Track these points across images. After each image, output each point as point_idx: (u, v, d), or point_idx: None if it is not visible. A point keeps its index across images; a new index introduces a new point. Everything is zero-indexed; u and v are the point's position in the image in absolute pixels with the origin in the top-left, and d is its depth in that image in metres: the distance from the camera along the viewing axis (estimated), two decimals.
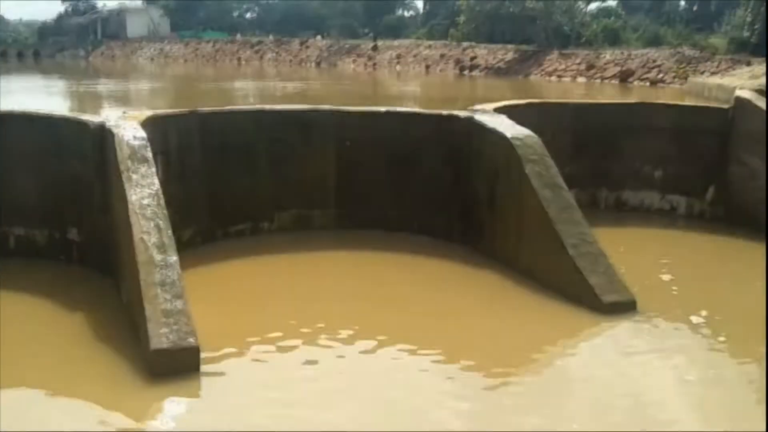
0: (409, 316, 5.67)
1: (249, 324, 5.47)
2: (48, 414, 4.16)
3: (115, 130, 5.99)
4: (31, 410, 4.21)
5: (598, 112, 9.15)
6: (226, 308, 5.71)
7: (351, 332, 5.29)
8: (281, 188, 7.56)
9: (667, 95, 19.99)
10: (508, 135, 6.65)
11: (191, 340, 4.55)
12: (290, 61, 45.59)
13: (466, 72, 33.41)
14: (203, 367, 4.55)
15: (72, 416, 4.15)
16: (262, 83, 28.06)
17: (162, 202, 5.44)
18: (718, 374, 4.80)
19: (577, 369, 4.93)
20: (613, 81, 25.94)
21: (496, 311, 5.84)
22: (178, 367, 4.48)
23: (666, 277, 6.67)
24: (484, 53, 34.09)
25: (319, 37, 49.87)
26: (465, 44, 36.25)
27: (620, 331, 5.41)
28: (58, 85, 27.68)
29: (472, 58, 34.22)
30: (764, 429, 3.91)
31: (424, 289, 6.25)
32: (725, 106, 8.84)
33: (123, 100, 20.57)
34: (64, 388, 4.43)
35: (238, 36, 55.72)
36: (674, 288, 6.44)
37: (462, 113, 7.55)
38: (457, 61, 34.84)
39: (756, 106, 8.21)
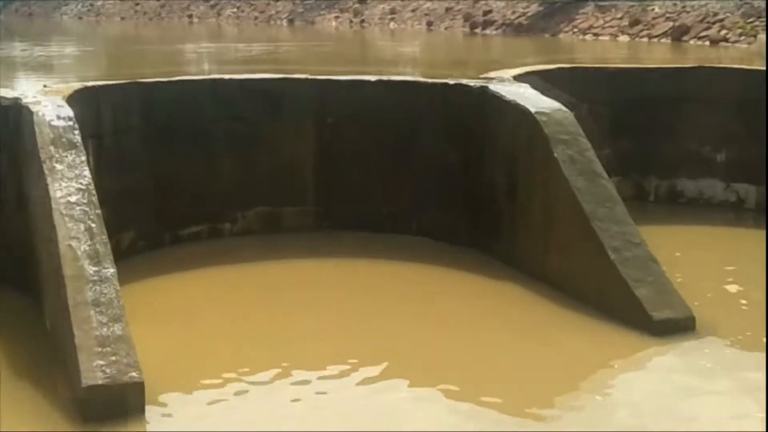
0: (409, 341, 5.67)
1: (206, 352, 5.47)
2: None
3: (33, 108, 5.97)
4: None
5: (645, 80, 9.18)
6: (177, 333, 5.72)
7: (334, 362, 5.27)
8: (245, 180, 7.57)
9: (731, 57, 20.02)
10: (532, 109, 6.65)
11: (134, 374, 4.53)
12: (255, 18, 45.43)
13: (478, 30, 33.35)
14: (149, 408, 4.54)
15: None
16: (220, 46, 27.99)
17: (94, 199, 5.43)
18: None
19: (621, 402, 4.92)
20: (663, 40, 25.93)
21: (519, 333, 5.85)
22: (117, 407, 4.45)
23: (732, 288, 6.68)
24: (501, 6, 34.04)
25: None
26: None
27: (675, 356, 5.43)
28: None
29: (486, 12, 34.17)
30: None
31: (428, 307, 6.26)
32: None
33: (43, 68, 20.48)
34: None
35: None
36: (743, 301, 6.45)
37: (473, 82, 7.56)
38: (467, 16, 34.77)
39: None
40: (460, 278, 6.78)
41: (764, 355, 5.44)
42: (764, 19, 24.07)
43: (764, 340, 5.63)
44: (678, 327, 5.63)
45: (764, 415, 4.73)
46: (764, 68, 9.76)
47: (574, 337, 5.72)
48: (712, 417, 4.71)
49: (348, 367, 5.25)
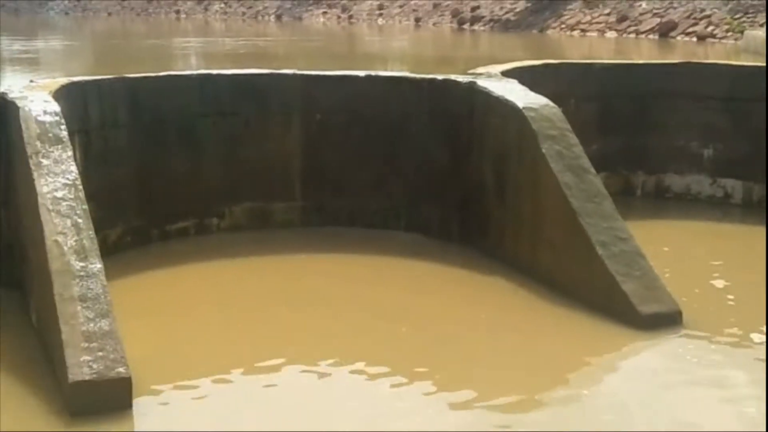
0: (399, 336, 5.67)
1: (194, 347, 5.45)
2: None
3: (19, 103, 5.93)
4: None
5: (633, 75, 9.21)
6: (164, 328, 5.71)
7: (322, 357, 5.27)
8: (233, 175, 7.55)
9: (718, 53, 20.13)
10: (520, 105, 6.66)
11: (121, 369, 4.51)
12: (243, 14, 45.44)
13: (466, 26, 33.45)
14: (136, 403, 4.53)
15: None
16: (208, 41, 27.93)
17: (81, 194, 5.41)
18: None
19: (610, 395, 4.94)
20: (651, 36, 26.07)
21: (507, 328, 5.86)
22: (104, 403, 4.43)
23: (719, 283, 6.71)
24: (489, 2, 34.12)
25: None
26: None
27: (662, 350, 5.45)
28: None
29: (474, 8, 34.25)
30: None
31: (417, 302, 6.26)
32: None
33: (30, 63, 20.42)
34: None
35: None
36: (730, 296, 6.48)
37: (461, 78, 7.57)
38: (455, 13, 34.85)
39: None
40: (449, 274, 6.79)
41: (751, 350, 5.48)
42: (751, 15, 24.17)
43: (752, 335, 5.66)
44: (665, 321, 5.65)
45: (751, 410, 4.76)
46: (751, 64, 9.80)
47: (561, 331, 5.73)
48: (697, 412, 4.74)
49: (335, 358, 5.26)
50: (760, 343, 5.57)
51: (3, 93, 6.27)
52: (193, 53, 23.22)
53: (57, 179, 5.43)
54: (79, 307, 4.73)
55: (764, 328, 5.77)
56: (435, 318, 6.00)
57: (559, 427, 4.58)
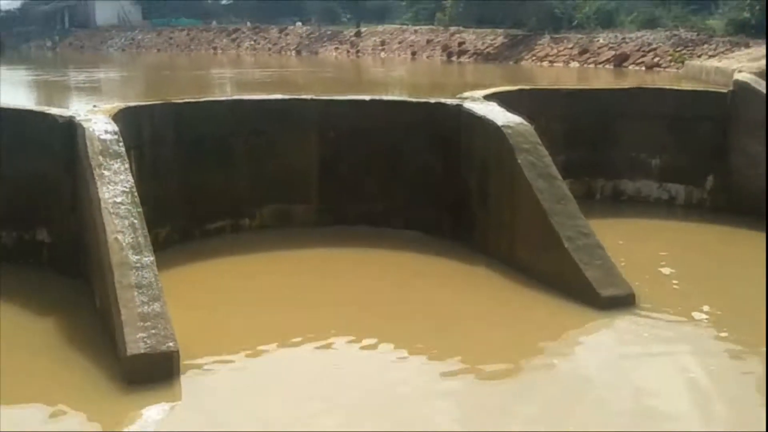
0: (399, 316, 5.66)
1: (231, 326, 5.45)
2: (19, 425, 4.12)
3: (85, 124, 5.94)
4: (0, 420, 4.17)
5: (593, 98, 9.18)
6: (206, 310, 5.69)
7: (337, 333, 5.28)
8: (261, 183, 7.53)
9: (663, 80, 20.08)
10: (499, 123, 6.65)
11: (170, 344, 4.52)
12: (269, 49, 45.38)
13: (454, 58, 33.39)
14: (183, 373, 4.53)
15: (44, 427, 4.11)
16: (239, 72, 27.93)
17: (136, 199, 5.41)
18: (720, 371, 4.83)
19: (573, 366, 4.94)
20: (607, 66, 26.01)
21: (490, 308, 5.85)
22: (156, 373, 4.44)
23: (666, 270, 6.70)
24: (473, 38, 34.08)
25: (299, 23, 49.64)
26: (452, 29, 36.22)
27: (618, 326, 5.44)
28: (24, 77, 27.44)
29: (460, 44, 34.20)
30: (764, 429, 3.90)
31: (415, 288, 6.25)
32: (724, 90, 8.89)
33: (93, 91, 20.42)
34: (36, 398, 4.39)
35: (214, 23, 55.40)
36: (675, 281, 6.48)
37: (450, 101, 7.55)
38: (445, 47, 34.81)
39: (756, 90, 8.25)
40: (442, 264, 6.77)
41: (693, 326, 5.48)
42: (690, 48, 24.13)
43: (693, 313, 5.66)
44: (621, 302, 5.65)
45: (693, 375, 4.75)
46: (691, 88, 9.79)
47: (535, 311, 5.73)
48: (649, 376, 4.74)
49: (347, 334, 5.27)
50: (700, 320, 5.58)
51: (71, 116, 6.28)
52: (227, 82, 23.21)
53: (116, 187, 5.44)
54: (135, 293, 4.74)
55: (706, 308, 5.78)
56: (430, 301, 5.98)
57: (535, 389, 4.59)
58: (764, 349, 5.02)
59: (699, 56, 22.29)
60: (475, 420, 4.20)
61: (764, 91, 8.17)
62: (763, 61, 9.43)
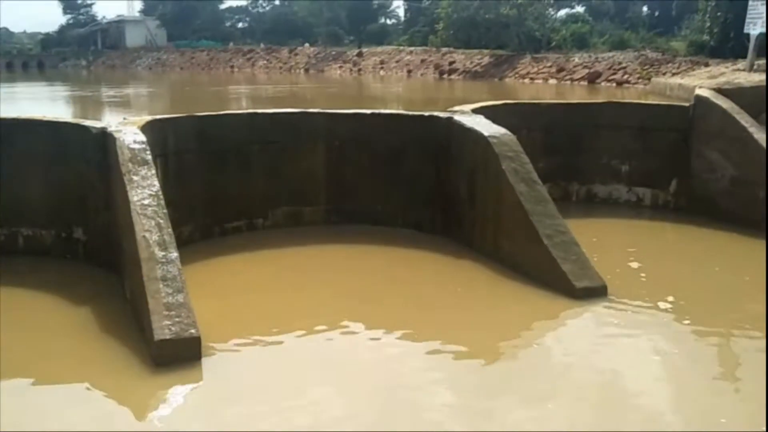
0: (397, 304, 5.67)
1: (247, 315, 5.45)
2: (56, 401, 4.13)
3: (116, 135, 5.94)
4: (40, 397, 4.17)
5: (569, 111, 9.19)
6: (225, 300, 5.69)
7: (342, 320, 5.28)
8: (274, 187, 7.54)
9: (632, 95, 20.06)
10: (486, 134, 6.66)
11: (193, 331, 4.53)
12: (280, 68, 45.33)
13: (445, 76, 33.36)
14: (204, 356, 4.54)
15: (79, 403, 4.12)
16: (254, 88, 27.90)
17: (162, 201, 5.41)
18: (683, 352, 4.84)
19: (553, 349, 4.94)
20: (581, 82, 25.99)
21: (477, 297, 5.85)
22: (180, 356, 4.46)
23: (634, 264, 6.70)
24: (462, 58, 34.07)
25: (307, 45, 49.64)
26: (444, 50, 36.20)
27: (592, 314, 5.44)
28: (62, 92, 27.40)
29: (451, 63, 34.18)
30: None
31: (411, 280, 6.25)
32: (686, 104, 8.90)
33: (123, 105, 20.39)
34: (73, 378, 4.40)
35: (231, 45, 55.39)
36: (642, 274, 6.48)
37: (442, 114, 7.55)
38: (437, 66, 34.78)
39: (714, 104, 8.27)
40: (435, 259, 6.77)
41: (660, 314, 5.48)
42: (655, 66, 24.14)
43: (659, 303, 5.66)
44: (594, 293, 5.66)
45: (657, 357, 4.76)
46: (657, 102, 9.78)
47: (517, 300, 5.74)
48: (620, 359, 4.75)
49: (350, 319, 5.29)
50: (665, 309, 5.58)
51: (104, 127, 6.28)
52: (243, 97, 23.18)
53: (144, 191, 5.44)
54: (161, 285, 4.75)
55: (670, 298, 5.78)
56: (423, 289, 6.00)
57: (516, 367, 4.59)
58: (721, 329, 5.04)
59: (664, 74, 22.29)
60: (466, 394, 4.21)
61: (721, 105, 8.19)
62: (721, 78, 9.42)
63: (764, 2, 10.05)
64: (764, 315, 5.26)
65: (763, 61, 10.90)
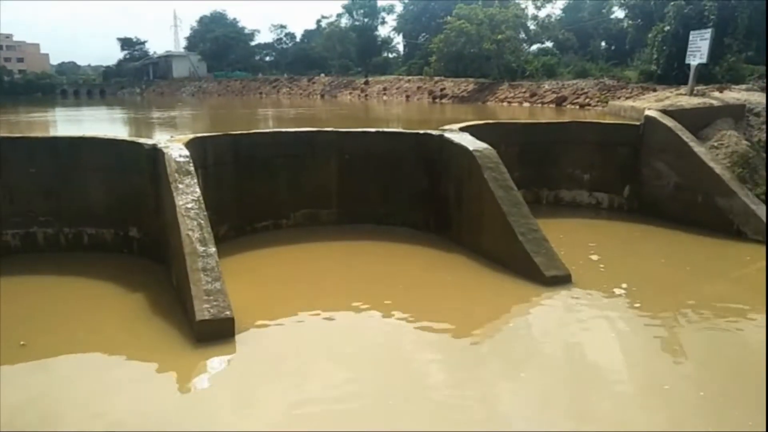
0: (398, 290, 5.66)
1: (273, 299, 5.45)
2: (113, 369, 4.13)
3: (164, 150, 5.95)
4: (100, 367, 4.18)
5: (539, 129, 9.18)
6: (255, 287, 5.69)
7: (353, 302, 5.28)
8: (295, 193, 7.54)
9: (592, 115, 20.00)
10: (471, 148, 6.65)
11: (228, 313, 4.54)
12: (300, 94, 45.34)
13: (437, 100, 33.31)
14: (238, 334, 4.54)
15: (133, 371, 4.14)
16: (279, 110, 27.90)
17: (202, 205, 5.42)
18: (635, 329, 4.83)
19: (526, 327, 4.94)
20: (550, 105, 25.92)
21: (463, 284, 5.84)
22: (217, 334, 4.46)
23: (594, 257, 6.69)
24: (451, 85, 34.03)
25: (322, 74, 49.66)
26: (436, 78, 36.17)
27: (559, 298, 5.43)
28: (120, 115, 27.43)
29: (442, 89, 34.14)
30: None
31: (408, 271, 6.24)
32: (637, 123, 8.88)
33: (170, 125, 20.39)
34: (127, 351, 4.41)
35: (260, 75, 55.45)
36: (601, 265, 6.46)
37: (434, 132, 7.54)
38: (430, 92, 34.74)
39: (661, 122, 8.25)
40: (428, 252, 6.76)
41: (617, 299, 5.46)
42: (612, 92, 24.06)
43: (615, 290, 5.64)
44: (561, 281, 5.65)
45: (614, 335, 4.74)
46: (613, 122, 9.75)
47: (495, 287, 5.72)
48: (585, 338, 4.74)
49: (359, 301, 5.28)
50: (620, 294, 5.56)
51: (154, 144, 6.29)
52: (270, 118, 23.19)
53: (188, 197, 5.44)
54: (201, 275, 4.75)
55: (624, 285, 5.76)
56: (417, 278, 5.98)
57: (495, 343, 4.58)
58: (663, 312, 5.03)
59: (619, 98, 22.22)
60: (456, 364, 4.20)
61: (667, 123, 8.16)
62: (666, 101, 9.38)
63: (702, 38, 10.04)
64: (704, 297, 5.24)
65: (700, 87, 10.90)
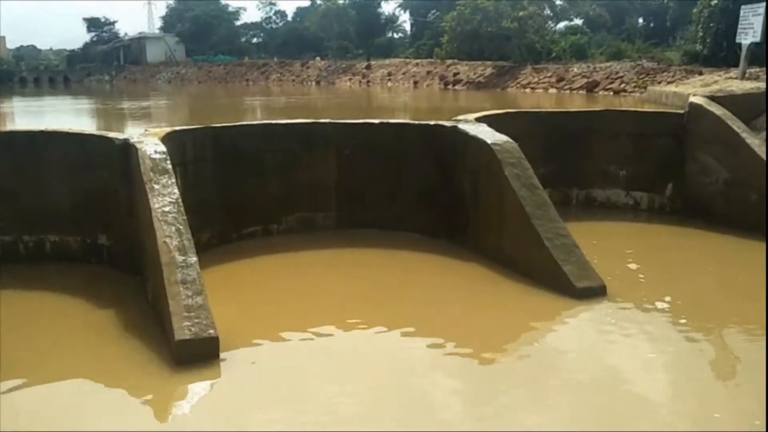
0: (405, 306, 5.65)
1: (263, 316, 5.47)
2: (81, 398, 4.14)
3: (138, 145, 5.98)
4: (66, 395, 4.19)
5: (568, 119, 9.17)
6: (242, 302, 5.71)
7: (352, 321, 5.28)
8: (288, 194, 7.55)
9: (628, 103, 20.00)
10: (489, 141, 6.65)
11: (211, 331, 4.54)
12: (293, 80, 45.47)
13: (450, 86, 33.36)
14: (222, 355, 4.55)
15: (104, 399, 4.14)
16: (268, 99, 27.97)
17: (181, 208, 5.43)
18: (679, 350, 4.81)
19: (554, 348, 4.93)
20: (580, 91, 25.93)
21: (482, 298, 5.83)
22: (199, 355, 4.47)
23: (632, 266, 6.67)
24: (466, 69, 34.07)
25: (318, 58, 49.81)
26: (448, 62, 36.22)
27: (592, 313, 5.41)
28: (86, 106, 27.58)
29: (455, 74, 34.19)
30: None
31: (418, 282, 6.24)
32: (680, 111, 8.86)
33: (144, 117, 20.49)
34: (97, 376, 4.41)
35: (246, 59, 55.64)
36: (640, 275, 6.45)
37: (447, 123, 7.54)
38: (442, 77, 34.80)
39: (707, 110, 8.24)
40: (440, 260, 6.76)
41: (657, 313, 5.45)
42: (651, 76, 24.04)
43: (656, 303, 5.63)
44: (594, 293, 5.64)
45: (653, 355, 4.73)
46: (652, 110, 9.75)
47: (520, 300, 5.72)
48: (619, 356, 4.72)
49: (358, 317, 5.30)
50: (662, 309, 5.55)
51: (126, 138, 6.32)
52: (258, 108, 23.24)
53: (164, 198, 5.46)
54: (181, 288, 4.76)
55: (667, 298, 5.75)
56: (427, 290, 5.99)
57: (520, 366, 4.58)
58: (711, 326, 5.01)
59: (659, 83, 22.20)
60: (474, 395, 4.20)
61: (715, 111, 8.15)
62: (714, 86, 9.37)
63: (756, 13, 10.01)
64: (760, 314, 5.22)
65: (754, 70, 10.86)
